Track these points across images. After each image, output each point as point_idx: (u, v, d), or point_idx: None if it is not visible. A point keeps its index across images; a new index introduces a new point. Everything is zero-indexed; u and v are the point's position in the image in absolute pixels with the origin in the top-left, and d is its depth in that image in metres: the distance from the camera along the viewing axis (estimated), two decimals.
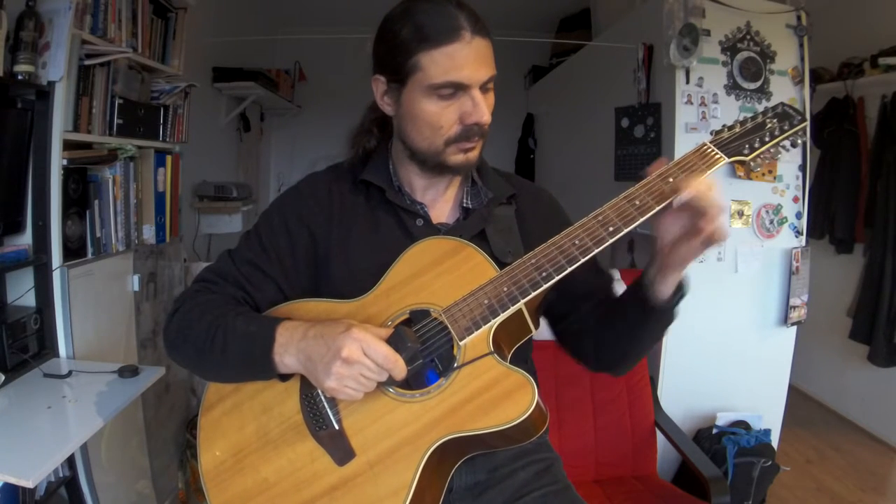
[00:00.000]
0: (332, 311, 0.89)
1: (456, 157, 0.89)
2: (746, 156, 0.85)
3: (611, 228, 0.80)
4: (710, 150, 0.84)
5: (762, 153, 0.85)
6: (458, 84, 0.84)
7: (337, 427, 0.83)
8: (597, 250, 0.81)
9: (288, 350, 0.81)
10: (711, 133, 0.88)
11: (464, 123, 0.86)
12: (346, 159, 1.01)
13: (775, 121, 0.86)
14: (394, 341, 0.78)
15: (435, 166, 0.91)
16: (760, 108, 2.14)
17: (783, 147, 0.87)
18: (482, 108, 0.85)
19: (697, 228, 0.77)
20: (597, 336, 0.95)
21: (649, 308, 0.85)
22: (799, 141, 0.88)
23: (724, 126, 0.88)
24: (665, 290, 0.84)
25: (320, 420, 0.84)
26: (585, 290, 0.98)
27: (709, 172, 0.82)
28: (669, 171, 0.82)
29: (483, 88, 0.86)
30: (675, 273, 0.83)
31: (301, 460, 0.84)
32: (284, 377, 0.86)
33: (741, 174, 2.16)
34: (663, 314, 0.86)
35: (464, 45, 0.82)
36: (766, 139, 0.85)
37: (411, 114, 0.88)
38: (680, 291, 0.86)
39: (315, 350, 0.78)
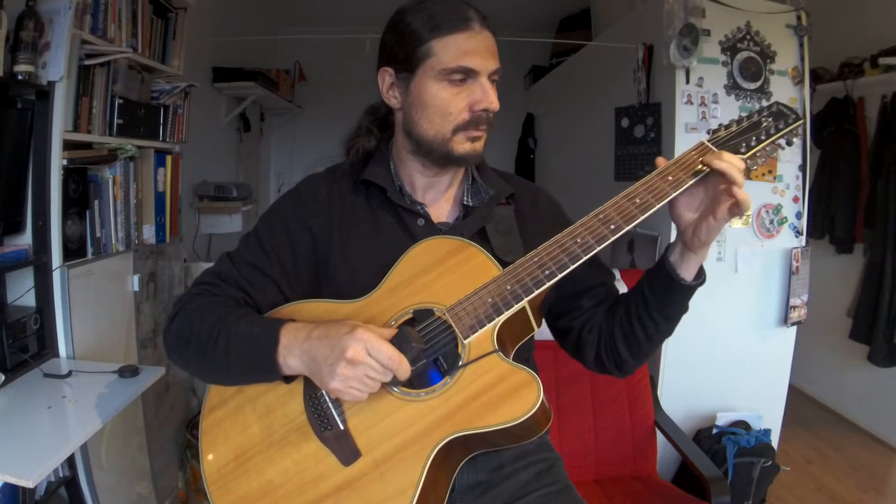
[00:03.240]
0: (334, 311, 0.89)
1: (463, 146, 0.90)
2: (743, 154, 0.86)
3: (612, 226, 0.82)
4: (707, 149, 0.86)
5: (758, 151, 0.87)
6: (469, 70, 0.86)
7: (342, 427, 0.83)
8: (599, 248, 0.82)
9: (292, 352, 0.81)
10: (708, 132, 0.90)
11: (472, 110, 0.88)
12: (346, 160, 1.01)
13: (770, 119, 0.88)
14: (398, 341, 0.79)
15: (440, 157, 0.91)
16: None
17: (778, 145, 0.88)
18: (491, 96, 0.88)
19: (719, 200, 0.80)
20: (608, 330, 0.96)
21: (675, 287, 0.88)
22: (794, 139, 0.90)
23: (720, 125, 0.90)
24: (688, 272, 0.88)
25: (325, 420, 0.84)
26: (586, 287, 0.99)
27: (707, 170, 0.84)
28: (668, 169, 0.84)
29: (490, 79, 0.89)
30: (697, 254, 0.86)
31: (306, 461, 0.84)
32: (288, 379, 0.85)
33: None
34: (686, 294, 0.89)
35: (474, 35, 0.87)
36: (762, 137, 0.87)
37: (421, 100, 0.89)
38: (700, 276, 0.89)
39: (319, 351, 0.78)
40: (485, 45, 0.88)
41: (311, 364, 0.80)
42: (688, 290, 0.89)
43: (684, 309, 0.92)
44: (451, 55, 0.86)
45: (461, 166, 0.96)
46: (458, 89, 0.87)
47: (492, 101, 0.88)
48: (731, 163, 0.79)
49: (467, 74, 0.87)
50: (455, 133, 0.89)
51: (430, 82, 0.88)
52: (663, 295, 0.89)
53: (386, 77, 0.93)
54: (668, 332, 0.94)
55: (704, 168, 0.82)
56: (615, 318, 0.95)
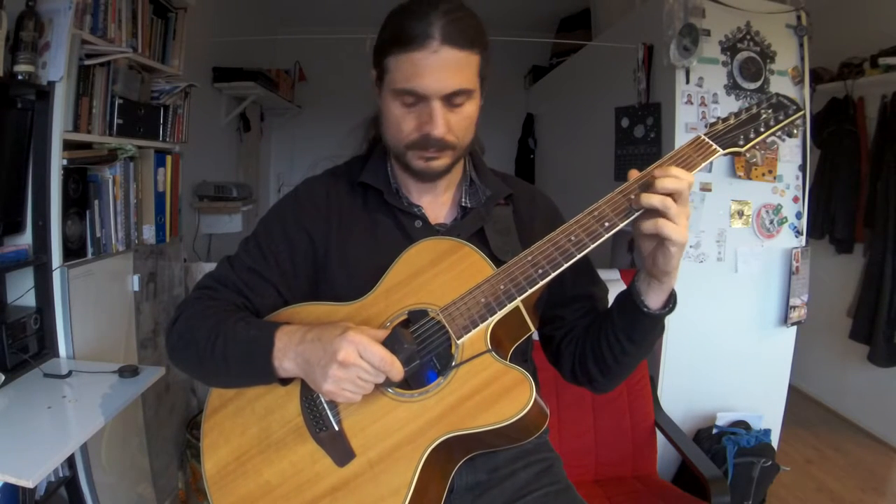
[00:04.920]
0: (331, 313, 0.89)
1: (417, 163, 0.89)
2: (741, 147, 0.84)
3: (606, 224, 0.80)
4: (704, 143, 0.84)
5: (757, 143, 0.85)
6: (416, 93, 0.83)
7: (337, 428, 0.83)
8: (593, 246, 0.80)
9: (286, 354, 0.81)
10: (706, 126, 0.87)
11: (421, 132, 0.85)
12: (343, 162, 1.01)
13: (770, 111, 0.86)
14: (390, 343, 0.78)
15: (404, 167, 0.92)
16: None
17: (779, 137, 0.86)
18: (436, 122, 0.83)
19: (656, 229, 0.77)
20: (581, 345, 0.95)
21: (640, 314, 0.85)
22: (795, 131, 0.87)
23: (718, 118, 0.87)
24: (654, 300, 0.84)
25: (320, 422, 0.84)
26: (573, 296, 0.98)
27: (703, 164, 0.82)
28: (664, 164, 0.82)
29: (449, 101, 0.84)
30: (662, 282, 0.83)
31: (302, 462, 0.84)
32: (285, 381, 0.86)
33: (741, 174, 2.16)
34: (653, 322, 0.86)
35: (427, 55, 0.80)
36: (762, 129, 0.85)
37: (383, 112, 0.90)
38: (669, 303, 0.85)
39: (312, 354, 0.79)
40: (441, 64, 0.81)
41: (304, 366, 0.80)
42: (653, 318, 0.85)
43: (655, 334, 0.88)
44: (401, 75, 0.82)
45: (422, 181, 0.94)
46: (408, 110, 0.85)
47: (435, 127, 0.83)
48: (663, 192, 0.76)
49: (416, 97, 0.83)
50: (408, 150, 0.88)
51: (387, 96, 0.86)
52: (629, 320, 0.86)
53: (372, 75, 0.92)
54: (638, 356, 0.90)
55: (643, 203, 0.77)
56: (589, 334, 0.94)
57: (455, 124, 0.86)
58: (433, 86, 0.82)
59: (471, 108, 0.87)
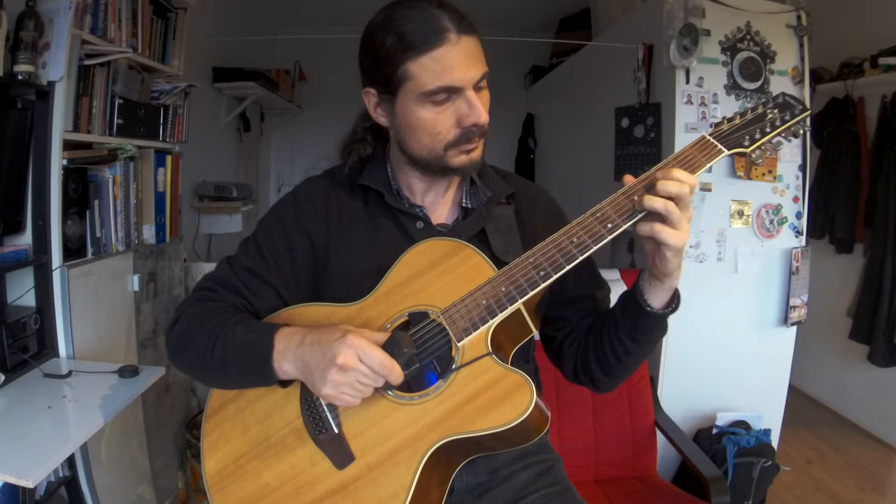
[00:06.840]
0: (331, 315, 0.88)
1: (459, 159, 0.88)
2: (746, 147, 0.83)
3: (609, 225, 0.79)
4: (709, 143, 0.83)
5: (763, 144, 0.83)
6: (451, 88, 0.82)
7: (336, 431, 0.83)
8: (595, 247, 0.79)
9: (286, 357, 0.81)
10: (711, 125, 0.86)
11: (461, 126, 0.85)
12: (344, 163, 1.01)
13: (776, 111, 0.85)
14: (390, 346, 0.78)
15: (439, 170, 0.90)
16: None
17: (785, 137, 0.85)
18: (479, 109, 0.84)
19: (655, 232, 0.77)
20: (584, 346, 0.95)
21: (643, 314, 0.85)
22: (801, 131, 0.85)
23: (724, 118, 0.86)
24: (657, 300, 0.84)
25: (320, 424, 0.84)
26: (575, 297, 0.98)
27: (708, 165, 0.81)
28: (668, 164, 0.81)
29: (476, 87, 0.84)
30: (663, 282, 0.83)
31: (302, 464, 0.84)
32: (284, 383, 0.86)
33: (741, 174, 2.16)
34: (656, 322, 0.86)
35: (451, 47, 0.81)
36: (767, 130, 0.84)
37: (407, 123, 0.87)
38: (673, 303, 0.85)
39: (312, 357, 0.78)
40: (464, 54, 0.82)
41: (304, 369, 0.80)
42: (656, 318, 0.85)
43: (658, 334, 0.88)
44: (429, 76, 0.81)
45: (462, 175, 0.95)
46: (442, 108, 0.84)
47: (480, 114, 0.84)
48: (666, 196, 0.75)
49: (450, 92, 0.83)
50: (447, 150, 0.87)
51: (412, 105, 0.84)
52: (632, 320, 0.86)
53: (370, 98, 0.90)
54: (641, 355, 0.90)
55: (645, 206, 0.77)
56: (591, 335, 0.93)
57: (485, 107, 0.86)
58: (466, 76, 0.82)
59: (487, 91, 0.88)
